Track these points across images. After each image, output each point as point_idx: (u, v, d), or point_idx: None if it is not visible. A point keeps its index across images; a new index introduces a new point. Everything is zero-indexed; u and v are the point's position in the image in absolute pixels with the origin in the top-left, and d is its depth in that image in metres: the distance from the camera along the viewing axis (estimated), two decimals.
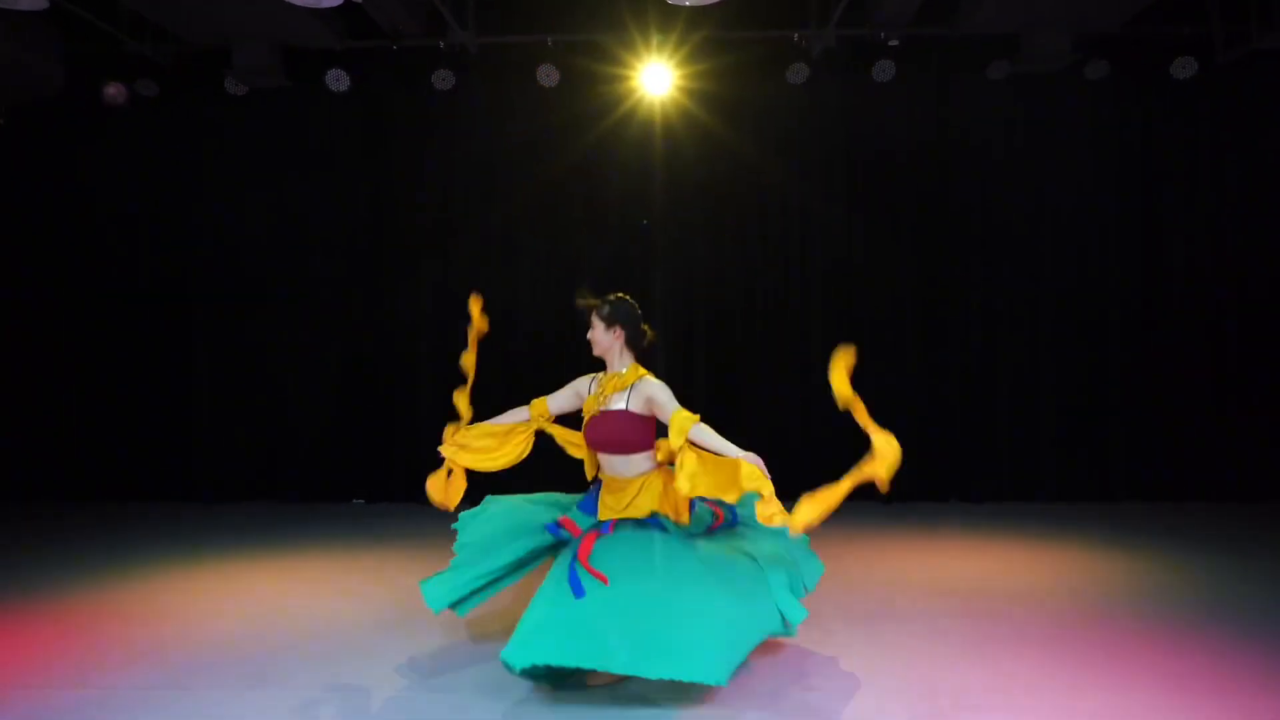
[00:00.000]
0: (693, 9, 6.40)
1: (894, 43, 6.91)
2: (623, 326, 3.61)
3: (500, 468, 3.77)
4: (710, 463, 3.33)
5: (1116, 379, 7.32)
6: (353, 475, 7.54)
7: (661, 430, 3.60)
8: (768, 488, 3.17)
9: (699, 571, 3.26)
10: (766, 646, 3.84)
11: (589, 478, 3.79)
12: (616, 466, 3.60)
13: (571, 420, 3.88)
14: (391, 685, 3.49)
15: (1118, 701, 3.22)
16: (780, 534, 3.43)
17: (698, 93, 7.20)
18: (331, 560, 5.61)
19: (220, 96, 7.27)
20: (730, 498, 3.26)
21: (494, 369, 7.42)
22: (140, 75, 7.13)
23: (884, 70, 7.00)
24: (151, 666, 3.69)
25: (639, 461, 3.58)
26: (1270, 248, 7.21)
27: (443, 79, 7.13)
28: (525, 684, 3.36)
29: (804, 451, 7.34)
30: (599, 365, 3.74)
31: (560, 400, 3.79)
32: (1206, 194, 7.25)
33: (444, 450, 3.77)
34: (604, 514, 3.57)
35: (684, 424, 3.38)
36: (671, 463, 3.45)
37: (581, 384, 3.73)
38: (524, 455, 3.80)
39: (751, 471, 3.19)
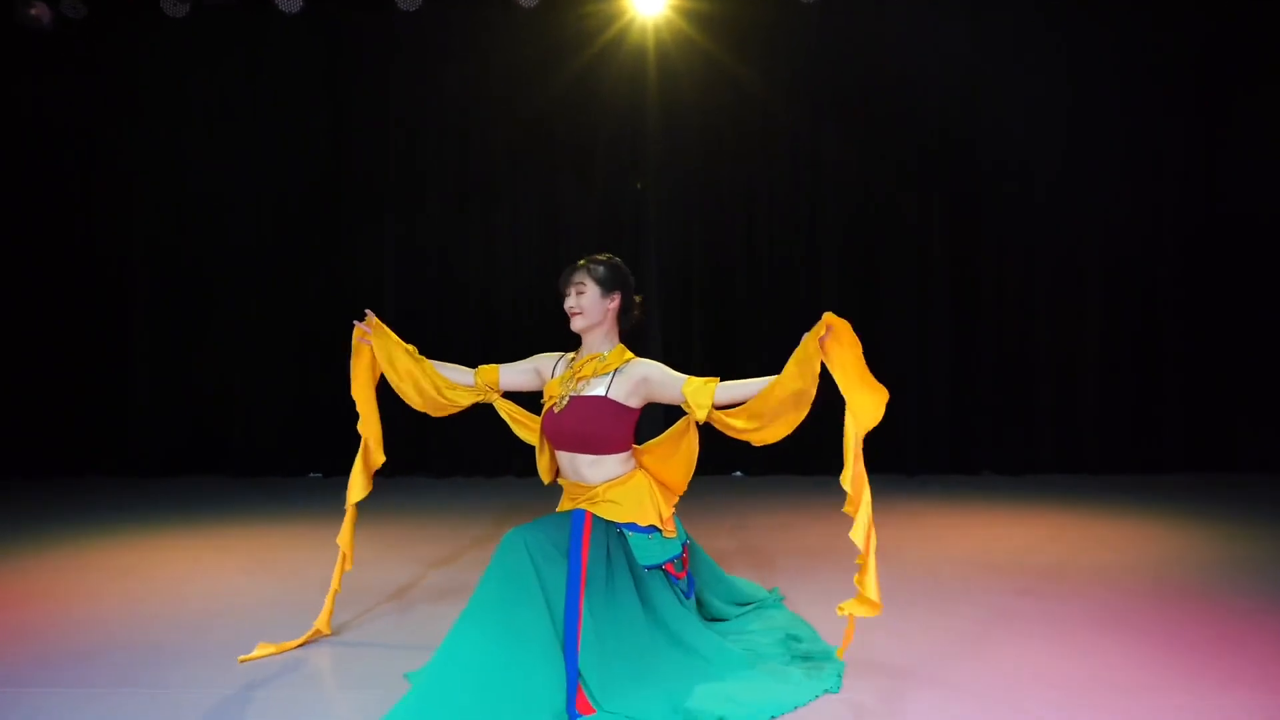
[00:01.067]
0: None
1: None
2: (621, 293, 2.86)
3: (410, 397, 3.00)
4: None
5: (1171, 337, 6.49)
6: (310, 448, 6.71)
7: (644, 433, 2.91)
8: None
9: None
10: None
11: (545, 480, 3.00)
12: (581, 470, 2.81)
13: (525, 403, 3.09)
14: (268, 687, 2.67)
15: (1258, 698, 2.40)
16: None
17: (696, 14, 6.38)
18: (266, 536, 4.79)
19: (157, 18, 6.43)
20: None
21: (471, 338, 6.74)
22: None
23: None
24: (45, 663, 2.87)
25: (610, 466, 2.80)
26: None
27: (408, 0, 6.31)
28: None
29: (816, 423, 6.51)
30: (569, 344, 2.96)
31: (515, 375, 2.97)
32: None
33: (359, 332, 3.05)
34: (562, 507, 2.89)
35: (703, 390, 2.70)
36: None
37: (544, 362, 2.95)
38: (447, 412, 3.03)
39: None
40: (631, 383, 2.76)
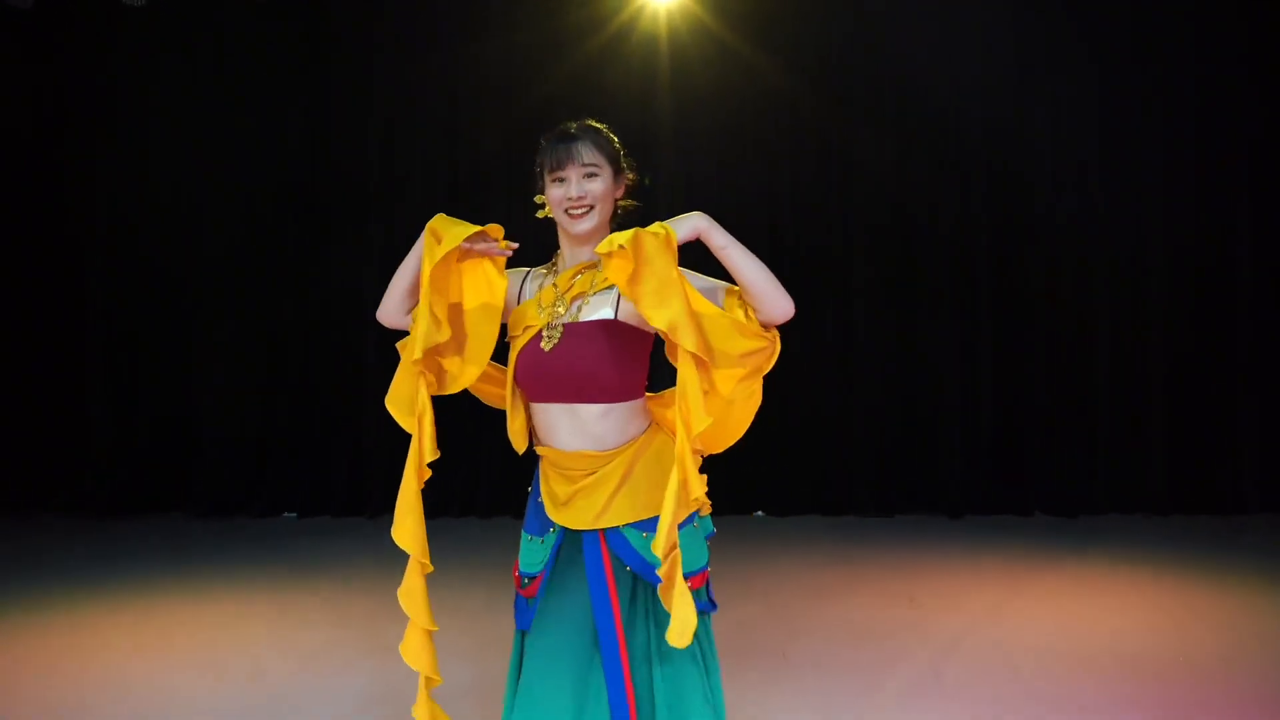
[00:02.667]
0: None
1: None
2: (631, 176, 1.98)
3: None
4: None
5: (1244, 358, 5.80)
6: (283, 485, 6.04)
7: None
8: None
9: None
10: None
11: (520, 448, 1.96)
12: (588, 428, 1.87)
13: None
14: None
15: None
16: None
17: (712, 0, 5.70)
18: (243, 590, 4.14)
19: (115, 8, 5.78)
20: None
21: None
22: None
23: None
24: None
25: (625, 419, 1.88)
26: None
27: None
28: None
29: (845, 433, 5.90)
30: (540, 256, 2.03)
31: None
32: None
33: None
34: (569, 516, 1.88)
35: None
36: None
37: (518, 277, 2.02)
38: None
39: None
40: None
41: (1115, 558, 4.68)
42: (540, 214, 1.97)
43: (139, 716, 2.83)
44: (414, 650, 1.89)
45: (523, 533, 1.95)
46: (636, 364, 1.89)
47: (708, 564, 1.94)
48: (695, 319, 1.75)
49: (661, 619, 1.80)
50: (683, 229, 1.80)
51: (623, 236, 1.70)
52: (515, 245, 1.88)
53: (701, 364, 1.75)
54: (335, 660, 3.34)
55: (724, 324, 1.80)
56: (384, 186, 6.04)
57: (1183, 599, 3.97)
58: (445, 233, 1.84)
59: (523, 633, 1.94)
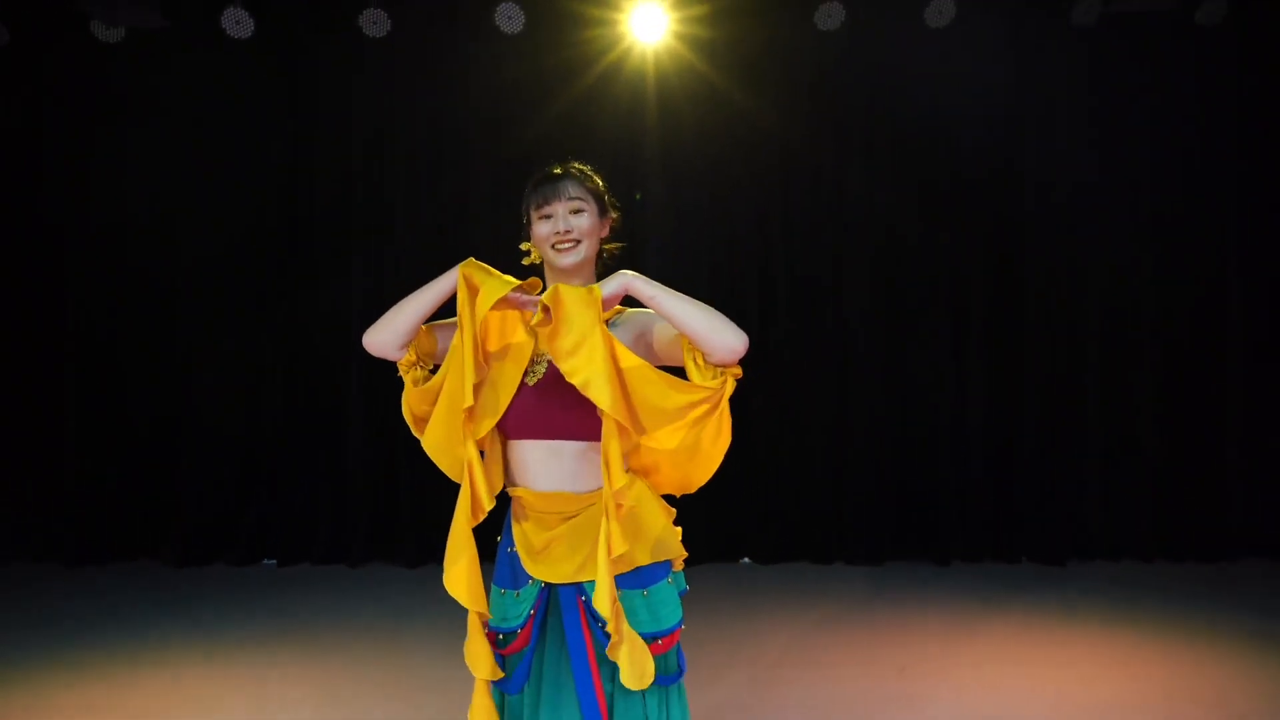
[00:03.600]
0: None
1: None
2: (615, 215, 2.03)
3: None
4: None
5: (1236, 399, 5.80)
6: (261, 530, 5.92)
7: None
8: None
9: None
10: None
11: (488, 508, 1.83)
12: (568, 471, 1.84)
13: None
14: None
15: None
16: None
17: (701, 41, 5.64)
18: (229, 653, 4.03)
19: (88, 44, 5.65)
20: None
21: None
22: None
23: (940, 13, 5.47)
24: None
25: (597, 462, 1.81)
26: None
27: (374, 22, 5.54)
28: None
29: (834, 479, 5.84)
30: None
31: (447, 335, 1.95)
32: None
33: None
34: (547, 570, 1.83)
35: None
36: None
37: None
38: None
39: None
40: (632, 334, 1.88)
41: (1105, 615, 4.64)
42: (526, 260, 1.99)
43: None
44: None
45: (493, 585, 1.89)
46: None
47: (680, 623, 1.87)
48: (617, 377, 1.72)
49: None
50: (609, 287, 1.77)
51: (546, 295, 1.72)
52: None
53: (622, 428, 1.72)
54: None
55: (654, 379, 1.75)
56: (369, 224, 5.94)
57: (1168, 659, 3.94)
58: (483, 282, 1.80)
59: (503, 694, 1.88)
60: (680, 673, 1.88)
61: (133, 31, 5.62)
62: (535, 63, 5.74)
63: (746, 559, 5.82)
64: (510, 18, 5.52)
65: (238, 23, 5.51)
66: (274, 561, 5.85)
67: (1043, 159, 5.82)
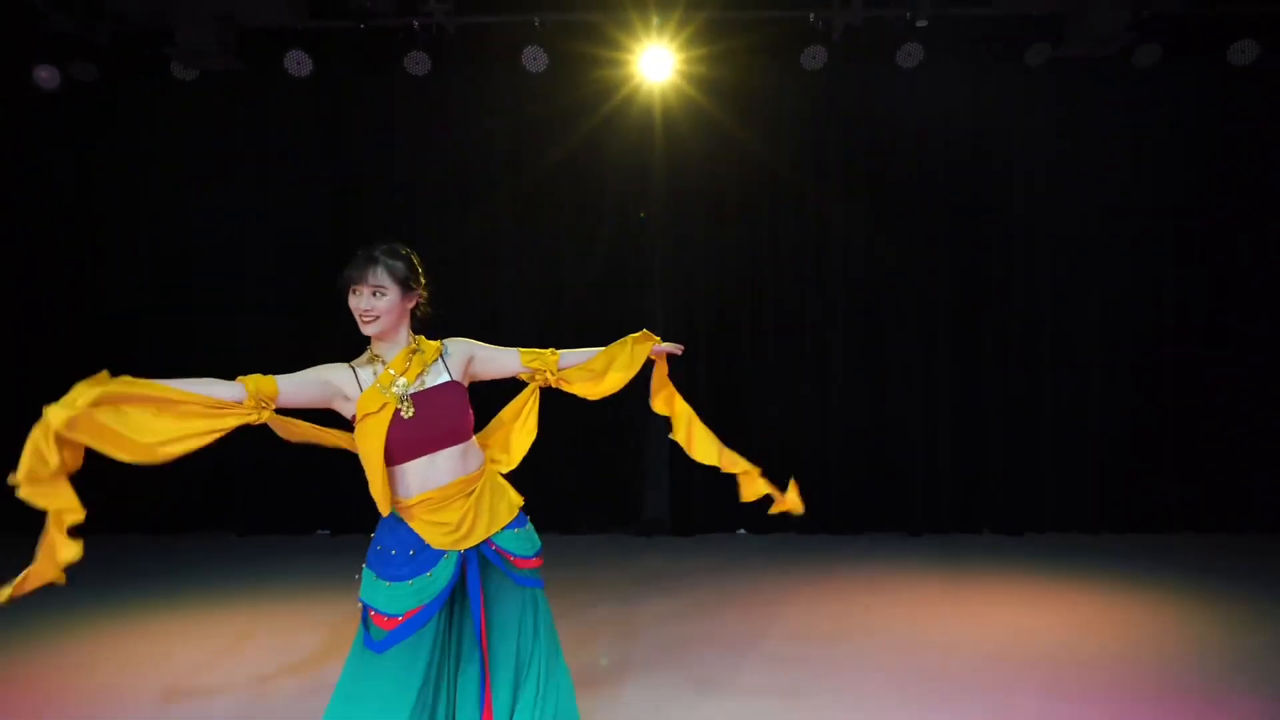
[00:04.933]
0: None
1: (922, 24, 6.17)
2: (418, 289, 2.55)
3: (144, 454, 2.20)
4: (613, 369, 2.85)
5: (1171, 397, 6.61)
6: (316, 504, 6.73)
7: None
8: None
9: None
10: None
11: (386, 512, 2.42)
12: (455, 463, 2.46)
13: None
14: None
15: None
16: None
17: (702, 79, 6.44)
18: (282, 601, 4.83)
19: (166, 81, 6.47)
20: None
21: (492, 386, 6.70)
22: (76, 57, 6.33)
23: (910, 55, 6.27)
24: None
25: (474, 450, 2.54)
26: None
27: (416, 63, 6.36)
28: None
29: (822, 477, 6.62)
30: (350, 352, 2.56)
31: (299, 387, 2.37)
32: (1271, 194, 6.53)
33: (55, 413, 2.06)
34: (464, 537, 2.43)
35: (547, 355, 2.76)
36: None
37: (334, 375, 2.43)
38: (197, 447, 2.26)
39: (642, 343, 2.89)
40: (461, 363, 2.58)
41: (1054, 575, 5.38)
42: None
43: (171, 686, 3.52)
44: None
45: (380, 581, 2.37)
46: (470, 409, 2.57)
47: (540, 551, 2.65)
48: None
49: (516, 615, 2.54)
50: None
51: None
52: None
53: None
54: None
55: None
56: (406, 241, 6.72)
57: (1104, 607, 4.73)
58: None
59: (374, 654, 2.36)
60: (540, 584, 2.63)
61: (206, 71, 6.44)
62: (555, 98, 6.54)
63: (742, 530, 6.63)
64: (535, 58, 6.32)
65: (298, 63, 6.34)
66: (328, 531, 6.67)
67: (1001, 183, 6.63)
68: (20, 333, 6.79)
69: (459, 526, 2.42)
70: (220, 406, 2.26)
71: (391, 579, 2.34)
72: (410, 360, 2.46)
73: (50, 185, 6.80)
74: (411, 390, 2.42)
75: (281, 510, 6.73)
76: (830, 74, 6.42)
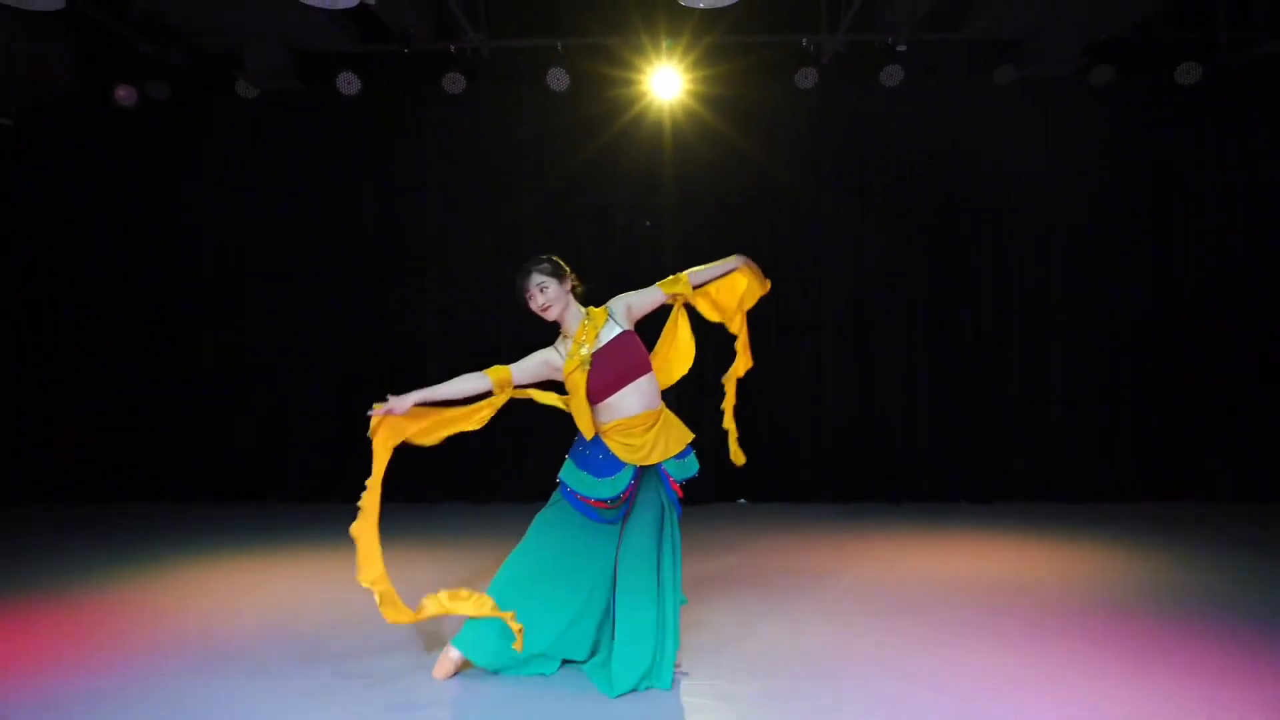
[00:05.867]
0: (703, 13, 6.47)
1: (902, 48, 6.95)
2: (570, 275, 3.46)
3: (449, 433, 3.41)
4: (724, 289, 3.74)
5: (1127, 382, 7.38)
6: (357, 477, 7.48)
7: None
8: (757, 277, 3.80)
9: (669, 578, 3.40)
10: (790, 633, 3.86)
11: (590, 435, 3.39)
12: (644, 397, 3.35)
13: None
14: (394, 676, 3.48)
15: (1134, 687, 3.23)
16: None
17: (707, 97, 7.26)
18: (339, 558, 5.59)
19: (231, 99, 7.29)
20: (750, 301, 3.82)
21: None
22: (152, 77, 7.16)
23: (892, 75, 7.06)
24: (176, 656, 3.68)
25: (655, 381, 3.44)
26: (1274, 252, 7.27)
27: (453, 82, 7.17)
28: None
29: (813, 440, 7.39)
30: (547, 338, 3.50)
31: (527, 370, 3.39)
32: (1212, 199, 7.32)
33: (383, 433, 3.37)
34: (644, 457, 3.35)
35: (679, 278, 3.57)
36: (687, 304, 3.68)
37: (548, 355, 3.41)
38: (478, 427, 3.41)
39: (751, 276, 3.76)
40: (624, 314, 3.42)
41: (1022, 538, 6.05)
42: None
43: (272, 612, 4.28)
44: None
45: (587, 477, 3.38)
46: (642, 347, 3.46)
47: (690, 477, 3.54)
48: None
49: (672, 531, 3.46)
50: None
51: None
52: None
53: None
54: None
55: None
56: (441, 241, 7.54)
57: (1065, 559, 5.48)
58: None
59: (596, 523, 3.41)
60: (678, 504, 3.51)
61: (266, 91, 7.26)
62: (576, 113, 7.35)
63: (742, 499, 7.40)
64: (559, 79, 7.13)
65: (348, 83, 7.16)
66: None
67: (974, 188, 7.42)
68: (92, 320, 7.61)
69: (641, 449, 3.34)
70: (478, 406, 3.39)
71: (585, 469, 3.37)
72: (585, 329, 3.37)
73: (120, 193, 7.63)
74: (594, 349, 3.32)
75: (325, 482, 7.52)
76: (821, 92, 7.21)
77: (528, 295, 3.38)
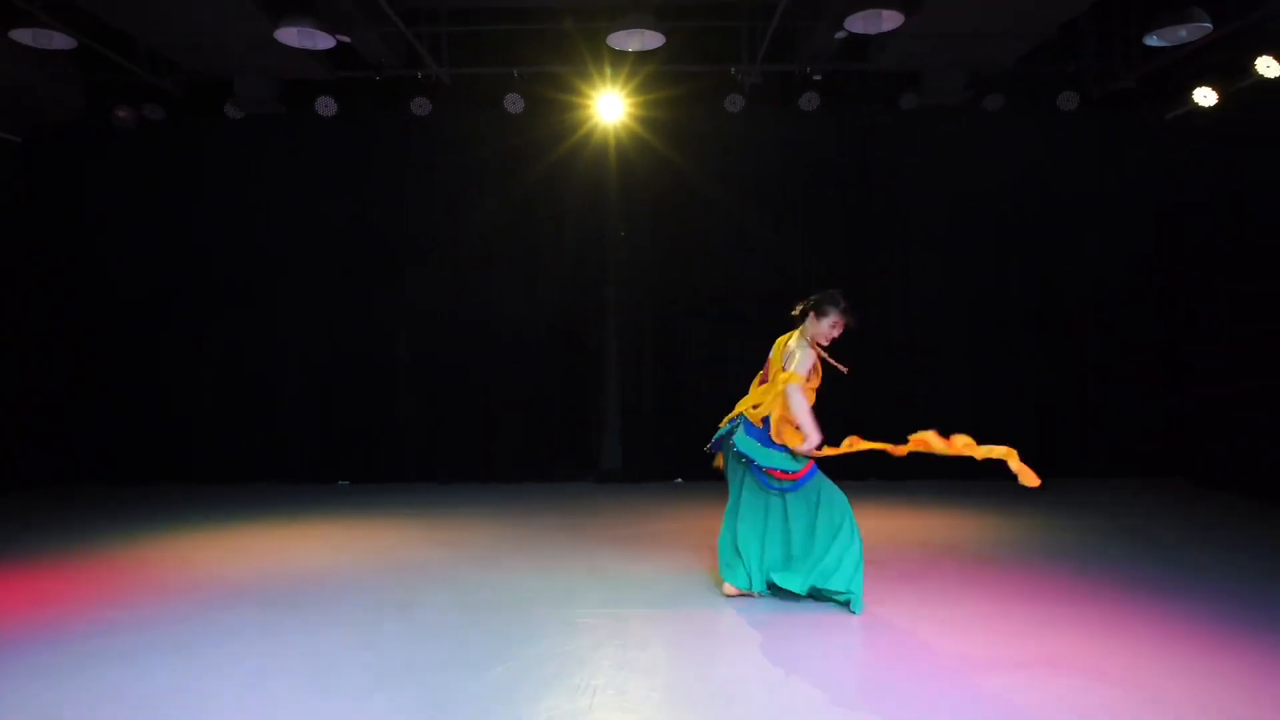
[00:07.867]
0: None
1: (817, 77, 7.88)
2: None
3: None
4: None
5: (1093, 362, 8.38)
6: (338, 460, 8.39)
7: None
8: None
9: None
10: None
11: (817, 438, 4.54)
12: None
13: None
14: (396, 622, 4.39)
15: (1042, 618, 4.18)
16: None
17: (647, 120, 8.17)
18: (327, 527, 6.48)
19: (220, 121, 8.13)
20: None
21: (483, 365, 8.48)
22: (149, 101, 7.98)
23: (809, 101, 7.98)
24: (187, 601, 4.57)
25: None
26: (1129, 256, 8.36)
27: (420, 106, 8.03)
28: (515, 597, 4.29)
29: None
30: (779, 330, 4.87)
31: (808, 369, 4.62)
32: (1088, 208, 8.32)
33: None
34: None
35: (787, 377, 4.55)
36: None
37: (811, 357, 4.56)
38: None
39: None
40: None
41: (996, 513, 6.78)
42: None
43: (269, 566, 5.17)
44: None
45: (783, 455, 4.54)
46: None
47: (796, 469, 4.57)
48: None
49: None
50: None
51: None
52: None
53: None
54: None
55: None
56: (416, 247, 8.43)
57: (1039, 528, 6.41)
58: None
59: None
60: (795, 485, 4.57)
61: (251, 113, 8.10)
62: (530, 134, 8.25)
63: (679, 479, 8.33)
64: (515, 103, 8.00)
65: (326, 106, 8.01)
66: (347, 482, 8.32)
67: (883, 199, 8.38)
68: (95, 321, 8.45)
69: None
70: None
71: (773, 449, 4.50)
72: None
73: (120, 207, 8.46)
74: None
75: (310, 465, 8.38)
76: (747, 116, 8.14)
77: (845, 325, 4.59)
